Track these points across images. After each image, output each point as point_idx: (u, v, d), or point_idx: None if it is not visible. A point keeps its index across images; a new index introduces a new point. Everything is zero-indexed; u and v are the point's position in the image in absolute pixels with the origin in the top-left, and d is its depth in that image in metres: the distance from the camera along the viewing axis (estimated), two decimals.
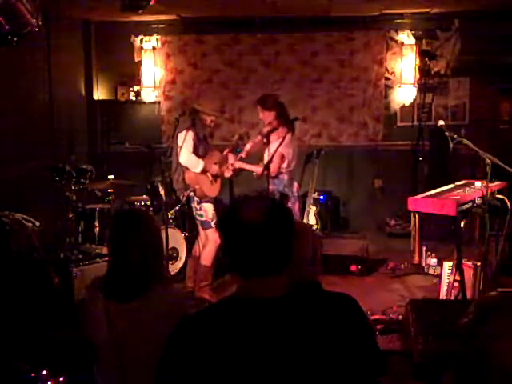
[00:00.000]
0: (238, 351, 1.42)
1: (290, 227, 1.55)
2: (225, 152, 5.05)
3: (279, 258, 1.52)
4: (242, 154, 5.00)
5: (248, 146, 5.05)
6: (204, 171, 4.78)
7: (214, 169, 4.84)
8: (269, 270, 1.51)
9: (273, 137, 4.84)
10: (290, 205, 4.87)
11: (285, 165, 4.81)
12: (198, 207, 4.84)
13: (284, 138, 4.69)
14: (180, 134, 4.71)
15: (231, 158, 4.99)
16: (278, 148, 4.63)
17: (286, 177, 4.87)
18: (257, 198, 1.59)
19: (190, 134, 4.68)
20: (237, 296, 1.54)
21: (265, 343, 1.43)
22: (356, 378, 1.47)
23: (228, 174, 4.96)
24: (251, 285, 1.51)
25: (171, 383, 1.50)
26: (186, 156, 4.68)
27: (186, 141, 4.65)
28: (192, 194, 4.80)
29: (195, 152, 4.73)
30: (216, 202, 4.98)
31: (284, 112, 4.87)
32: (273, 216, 1.51)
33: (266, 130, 4.87)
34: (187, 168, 4.75)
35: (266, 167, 4.62)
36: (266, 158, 4.82)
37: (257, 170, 4.82)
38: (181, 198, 4.92)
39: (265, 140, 4.89)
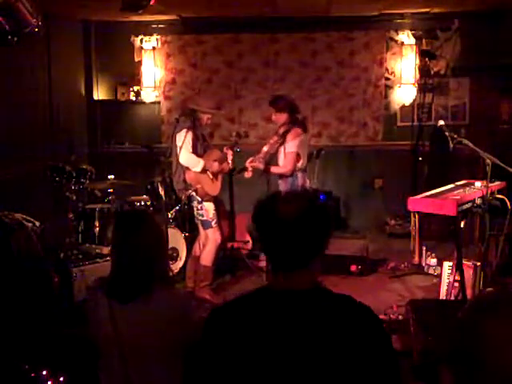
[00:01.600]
0: (265, 341, 1.46)
1: (325, 225, 1.55)
2: (224, 149, 5.06)
3: (311, 254, 1.54)
4: (261, 155, 5.04)
5: (266, 148, 5.09)
6: (204, 170, 4.78)
7: (215, 166, 4.84)
8: (301, 265, 1.53)
9: (288, 137, 4.90)
10: None
11: (299, 164, 4.88)
12: (198, 207, 4.84)
13: (299, 138, 4.80)
14: (178, 135, 4.72)
15: (230, 155, 5.01)
16: (294, 147, 4.68)
17: (300, 174, 4.94)
18: (294, 194, 1.61)
19: (189, 133, 4.69)
20: (267, 287, 1.58)
21: (292, 335, 1.46)
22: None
23: (248, 175, 5.00)
24: (281, 277, 1.54)
25: (203, 370, 1.54)
26: (185, 156, 4.68)
27: (184, 141, 4.66)
28: (193, 193, 4.81)
29: (194, 151, 4.74)
30: (216, 201, 4.98)
31: (296, 112, 4.97)
32: (309, 213, 1.52)
33: (281, 130, 4.92)
34: (187, 168, 4.76)
35: (267, 167, 4.66)
36: (280, 158, 4.90)
37: (277, 170, 4.91)
38: (182, 198, 4.92)
39: (281, 140, 4.94)
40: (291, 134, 4.86)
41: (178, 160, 4.74)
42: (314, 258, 1.55)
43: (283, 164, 4.84)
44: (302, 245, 1.51)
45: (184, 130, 4.69)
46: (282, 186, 4.94)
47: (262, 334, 1.47)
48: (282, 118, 4.89)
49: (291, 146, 4.79)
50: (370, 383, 1.44)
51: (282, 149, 4.89)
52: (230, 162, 5.01)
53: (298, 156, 4.84)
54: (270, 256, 1.57)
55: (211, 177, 4.86)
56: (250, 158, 5.00)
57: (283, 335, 1.46)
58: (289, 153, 4.80)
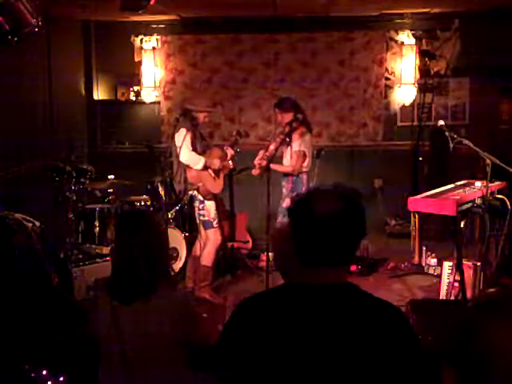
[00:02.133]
0: (293, 334, 1.47)
1: (361, 223, 1.56)
2: (225, 148, 5.08)
3: (346, 252, 1.55)
4: (267, 154, 5.07)
5: (272, 147, 5.12)
6: (205, 167, 4.79)
7: (216, 163, 4.84)
8: (333, 262, 1.54)
9: (294, 136, 4.94)
10: None
11: (305, 163, 4.92)
12: (200, 207, 4.84)
13: (304, 137, 4.91)
14: (177, 135, 4.74)
15: (230, 152, 5.03)
16: (299, 147, 4.78)
17: (305, 176, 4.98)
18: (332, 192, 1.60)
19: (188, 133, 4.70)
20: (298, 282, 1.59)
21: (321, 329, 1.47)
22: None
23: (256, 172, 5.09)
24: (312, 273, 1.55)
25: (229, 360, 1.56)
26: (186, 154, 4.69)
27: (184, 140, 4.67)
28: (195, 192, 4.81)
29: (194, 150, 4.75)
30: (217, 200, 4.98)
31: (301, 112, 5.06)
32: (346, 211, 1.52)
33: (287, 129, 4.97)
34: (188, 166, 4.76)
35: (267, 169, 4.67)
36: (286, 158, 4.93)
37: (285, 169, 4.98)
38: (184, 198, 4.93)
39: (287, 139, 4.96)
40: (297, 133, 4.92)
41: (178, 160, 4.75)
42: (346, 257, 1.57)
43: (290, 162, 4.90)
44: (336, 243, 1.52)
45: (182, 130, 4.71)
46: (286, 186, 4.96)
47: (291, 326, 1.49)
48: (287, 117, 4.96)
49: (297, 144, 4.87)
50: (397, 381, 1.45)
51: (287, 148, 4.94)
52: (257, 165, 5.07)
53: (304, 155, 4.91)
54: (302, 251, 1.57)
55: (213, 175, 4.86)
56: (258, 157, 5.06)
57: (313, 328, 1.48)
58: (295, 151, 4.87)
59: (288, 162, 4.97)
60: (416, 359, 1.48)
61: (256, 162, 5.04)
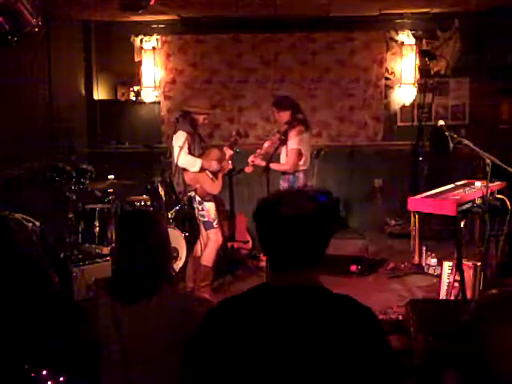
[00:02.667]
0: (262, 337, 1.46)
1: (328, 225, 1.55)
2: (224, 148, 5.07)
3: (312, 253, 1.55)
4: (262, 152, 5.06)
5: (266, 145, 5.11)
6: (202, 169, 4.79)
7: (214, 165, 4.84)
8: (300, 265, 1.53)
9: (290, 134, 4.92)
10: None
11: (302, 162, 4.91)
12: (200, 207, 4.84)
13: (301, 135, 4.86)
14: (175, 136, 4.75)
15: (229, 153, 5.02)
16: (295, 145, 4.76)
17: (301, 174, 4.95)
18: (297, 193, 1.61)
19: (185, 135, 4.71)
20: (267, 285, 1.58)
21: (290, 331, 1.46)
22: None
23: (249, 170, 5.06)
24: (280, 275, 1.55)
25: (199, 367, 1.53)
26: (182, 157, 4.69)
27: (180, 142, 4.68)
28: (193, 193, 4.81)
29: (190, 152, 4.75)
30: (217, 201, 4.98)
31: (299, 110, 5.01)
32: (311, 213, 1.52)
33: (283, 128, 4.95)
34: (185, 169, 4.77)
35: (266, 169, 4.67)
36: (282, 156, 4.92)
37: (278, 167, 4.95)
38: (183, 199, 4.93)
39: (283, 137, 4.95)
40: (293, 131, 4.90)
41: (176, 161, 4.75)
42: (314, 258, 1.56)
43: (285, 161, 4.88)
44: (302, 244, 1.51)
45: (180, 132, 4.72)
46: (283, 185, 4.96)
47: (260, 329, 1.47)
48: (284, 116, 4.94)
49: (293, 143, 4.84)
50: (366, 382, 1.44)
51: (284, 146, 4.92)
52: (229, 160, 5.02)
53: (300, 154, 4.87)
54: (269, 255, 1.57)
55: (210, 176, 4.86)
56: (253, 155, 5.04)
57: (281, 331, 1.46)
58: (291, 150, 4.85)
59: (284, 160, 4.96)
60: (383, 361, 1.48)
61: (249, 159, 5.02)
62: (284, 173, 5.00)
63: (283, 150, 4.94)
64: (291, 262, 1.53)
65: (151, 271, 2.20)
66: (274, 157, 4.86)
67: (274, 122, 5.19)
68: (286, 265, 1.54)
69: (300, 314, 1.48)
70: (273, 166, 4.94)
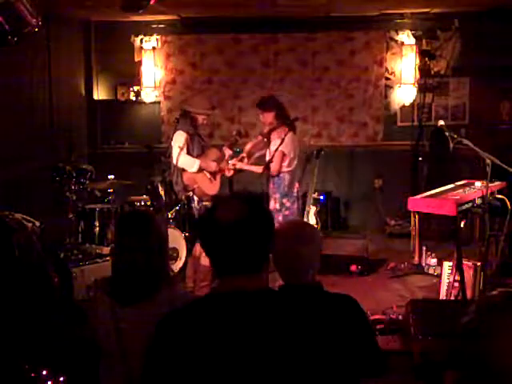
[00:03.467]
0: (219, 344, 1.44)
1: (266, 227, 1.55)
2: (223, 148, 5.07)
3: (255, 257, 1.53)
4: (244, 154, 5.03)
5: (248, 146, 5.09)
6: (201, 170, 4.78)
7: (212, 166, 4.83)
8: (244, 269, 1.52)
9: (273, 136, 4.87)
10: (288, 204, 4.88)
11: (286, 163, 4.84)
12: (198, 207, 4.84)
13: (285, 137, 4.73)
14: (174, 136, 4.75)
15: (228, 153, 5.00)
16: (279, 146, 4.67)
17: (287, 176, 4.89)
18: (234, 198, 1.61)
19: (184, 135, 4.70)
20: (212, 292, 1.59)
21: (241, 336, 1.45)
22: (354, 376, 1.47)
23: (229, 173, 4.99)
24: (227, 282, 1.54)
25: (158, 374, 1.51)
26: (180, 157, 4.69)
27: (179, 142, 4.67)
28: (192, 193, 4.81)
29: (189, 152, 4.75)
30: None
31: (283, 111, 4.93)
32: (248, 216, 1.51)
33: (266, 129, 4.91)
34: (184, 169, 4.76)
35: (267, 166, 4.65)
36: (267, 158, 4.86)
37: (257, 170, 4.85)
38: (182, 198, 4.93)
39: (265, 139, 4.92)
40: (276, 132, 4.84)
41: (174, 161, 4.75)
42: (258, 262, 1.55)
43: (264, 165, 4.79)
44: (241, 249, 1.51)
45: (180, 132, 4.71)
46: (269, 187, 4.89)
47: (211, 336, 1.46)
48: (268, 117, 4.85)
49: (276, 144, 4.76)
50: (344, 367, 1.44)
51: (268, 149, 4.89)
52: (231, 166, 5.00)
53: (284, 155, 4.79)
54: (212, 260, 1.56)
55: (209, 176, 4.85)
56: (235, 158, 4.99)
57: (232, 337, 1.45)
58: (273, 152, 4.76)
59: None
60: (368, 351, 1.50)
61: (231, 162, 4.97)
62: (269, 175, 4.94)
63: (267, 153, 4.90)
64: (234, 267, 1.52)
65: (150, 272, 2.20)
66: (273, 160, 4.79)
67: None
68: (229, 270, 1.53)
69: (246, 318, 1.47)
70: (255, 168, 4.90)
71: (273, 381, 1.42)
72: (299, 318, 1.48)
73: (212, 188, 4.86)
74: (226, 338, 1.45)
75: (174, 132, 4.75)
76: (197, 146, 4.82)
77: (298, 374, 1.44)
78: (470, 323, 1.16)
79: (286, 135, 4.75)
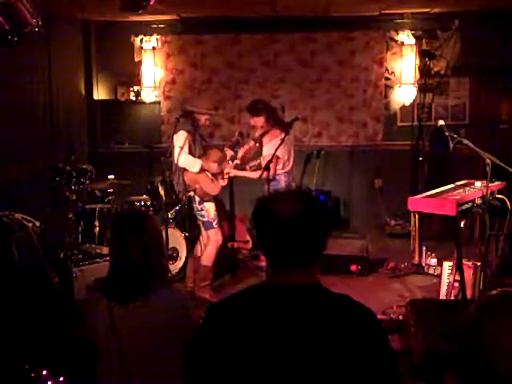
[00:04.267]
0: (262, 336, 1.47)
1: (323, 223, 1.57)
2: (225, 149, 5.06)
3: (311, 252, 1.56)
4: (237, 161, 5.02)
5: (241, 152, 5.07)
6: (202, 170, 4.78)
7: (213, 168, 4.83)
8: (300, 263, 1.55)
9: (265, 140, 4.88)
10: None
11: (280, 166, 4.84)
12: (199, 207, 4.84)
13: (276, 140, 4.72)
14: (176, 136, 4.72)
15: (229, 154, 5.00)
16: (276, 150, 4.65)
17: (282, 178, 4.88)
18: (292, 193, 1.64)
19: (185, 134, 4.69)
20: (266, 283, 1.61)
21: (289, 330, 1.46)
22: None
23: (223, 182, 4.94)
24: (281, 275, 1.56)
25: (201, 366, 1.54)
26: (182, 157, 4.68)
27: (181, 142, 4.66)
28: (193, 193, 4.81)
29: (191, 153, 4.74)
30: (217, 201, 4.98)
31: (274, 114, 4.94)
32: (307, 211, 1.54)
33: (257, 133, 4.91)
34: (185, 169, 4.76)
35: (266, 168, 4.65)
36: (262, 162, 4.86)
37: (254, 175, 4.85)
38: (183, 198, 4.92)
39: (257, 144, 4.91)
40: (267, 136, 4.85)
41: (176, 161, 4.74)
42: (313, 257, 1.57)
43: (262, 168, 4.78)
44: (299, 243, 1.53)
45: (181, 132, 4.70)
46: (267, 189, 4.89)
47: (260, 328, 1.48)
48: (259, 121, 4.86)
49: (269, 148, 4.76)
50: (366, 382, 1.44)
51: (261, 152, 4.89)
52: (225, 175, 4.99)
53: (277, 159, 4.77)
54: (267, 254, 1.59)
55: (210, 176, 4.85)
56: (228, 165, 4.94)
57: (280, 330, 1.47)
58: (266, 156, 4.76)
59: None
60: (383, 360, 1.48)
61: (225, 172, 4.93)
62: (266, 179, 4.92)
63: (261, 157, 4.91)
64: (289, 261, 1.55)
65: (146, 271, 2.20)
66: (272, 162, 4.77)
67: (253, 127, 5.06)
68: (284, 263, 1.56)
69: (298, 312, 1.49)
70: (252, 174, 4.90)
71: (303, 376, 1.44)
72: (327, 319, 1.49)
73: (213, 188, 4.86)
74: (271, 331, 1.47)
75: (175, 132, 4.73)
76: (199, 147, 4.81)
77: (323, 373, 1.44)
78: (469, 323, 1.16)
79: (277, 138, 4.75)
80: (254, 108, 4.89)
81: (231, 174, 4.95)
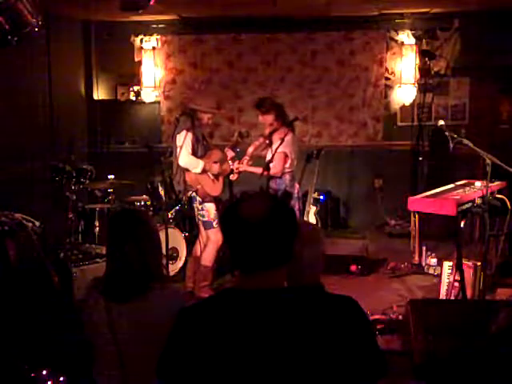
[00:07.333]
0: (233, 341, 1.46)
1: (290, 225, 1.57)
2: (225, 150, 5.07)
3: (278, 254, 1.55)
4: (247, 158, 5.05)
5: (251, 149, 5.11)
6: (204, 171, 4.78)
7: (215, 168, 4.84)
8: (267, 266, 1.54)
9: (274, 137, 4.89)
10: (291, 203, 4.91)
11: (288, 164, 4.87)
12: (200, 207, 4.84)
13: (285, 138, 4.75)
14: (178, 136, 4.71)
15: (230, 154, 5.01)
16: (278, 147, 4.68)
17: (288, 176, 4.92)
18: (258, 196, 1.62)
19: (189, 134, 4.68)
20: (234, 288, 1.59)
21: (262, 334, 1.46)
22: (354, 379, 1.47)
23: (233, 177, 5.04)
24: (249, 278, 1.55)
25: (173, 373, 1.54)
26: (185, 157, 4.68)
27: (184, 142, 4.65)
28: (194, 194, 4.81)
29: (194, 153, 4.73)
30: (217, 201, 4.98)
31: (283, 112, 4.95)
32: (273, 214, 1.53)
33: (267, 131, 4.92)
34: (187, 169, 4.75)
35: (266, 167, 4.66)
36: (268, 159, 4.88)
37: (261, 171, 4.88)
38: (183, 198, 4.92)
39: (267, 141, 4.93)
40: (277, 134, 4.86)
41: (177, 161, 4.74)
42: (280, 260, 1.56)
43: (272, 165, 4.82)
44: (266, 246, 1.52)
45: (184, 131, 4.68)
46: (271, 187, 4.91)
47: (228, 332, 1.48)
48: (268, 119, 4.88)
49: (278, 146, 4.78)
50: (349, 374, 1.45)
51: (269, 150, 4.90)
52: (235, 170, 5.03)
53: (286, 156, 4.82)
54: (234, 257, 1.57)
55: (212, 177, 4.85)
56: (237, 161, 5.00)
57: (250, 334, 1.47)
58: (277, 153, 4.78)
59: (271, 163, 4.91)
60: (369, 353, 1.50)
61: (234, 167, 4.99)
62: (271, 176, 4.95)
63: (269, 154, 4.91)
64: (256, 264, 1.54)
65: (142, 270, 2.20)
66: (272, 161, 4.78)
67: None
68: (251, 267, 1.55)
69: (266, 315, 1.48)
70: (253, 170, 4.93)
71: (278, 380, 1.43)
72: (300, 319, 1.48)
73: (215, 189, 4.86)
74: (239, 335, 1.46)
75: (178, 132, 4.72)
76: (201, 147, 4.80)
77: (301, 374, 1.44)
78: (501, 329, 1.16)
79: (286, 136, 4.77)
80: (264, 105, 4.90)
81: (241, 169, 4.99)
